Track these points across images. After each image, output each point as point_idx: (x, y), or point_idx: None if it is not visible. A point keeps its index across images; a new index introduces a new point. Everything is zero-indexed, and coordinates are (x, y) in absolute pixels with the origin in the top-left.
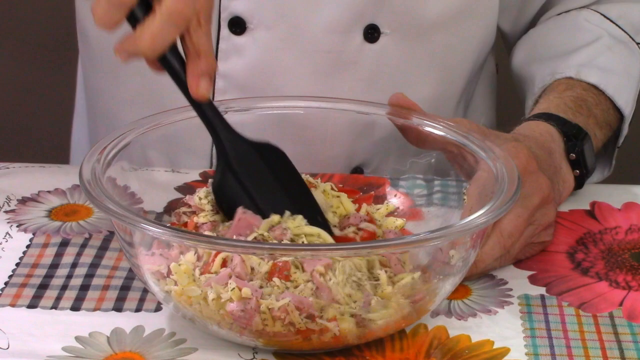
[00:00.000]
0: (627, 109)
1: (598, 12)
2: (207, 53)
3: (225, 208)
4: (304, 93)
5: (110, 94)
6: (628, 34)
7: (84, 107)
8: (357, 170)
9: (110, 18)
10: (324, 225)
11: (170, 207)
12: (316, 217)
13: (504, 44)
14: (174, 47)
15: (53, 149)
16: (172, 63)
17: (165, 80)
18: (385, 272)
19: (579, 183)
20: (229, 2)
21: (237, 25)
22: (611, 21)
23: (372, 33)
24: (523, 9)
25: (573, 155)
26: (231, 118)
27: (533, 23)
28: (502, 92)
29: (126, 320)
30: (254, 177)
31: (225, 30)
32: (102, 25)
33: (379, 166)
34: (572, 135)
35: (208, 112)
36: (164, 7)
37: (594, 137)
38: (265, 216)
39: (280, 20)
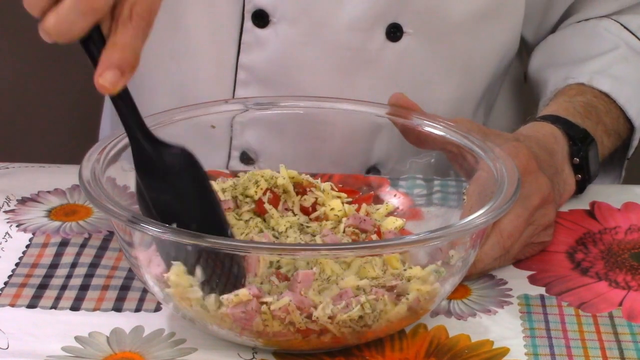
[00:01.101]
0: (638, 121)
1: (618, 22)
2: (126, 47)
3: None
4: (325, 89)
5: (135, 85)
6: None
7: (110, 106)
8: (373, 170)
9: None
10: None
11: None
12: (218, 227)
13: (525, 51)
14: (100, 35)
15: (53, 149)
16: (91, 50)
17: (189, 72)
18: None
19: (580, 187)
20: None
21: (261, 18)
22: (630, 32)
23: (394, 32)
24: (545, 17)
25: (577, 160)
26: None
27: (554, 30)
28: (530, 100)
29: (126, 320)
30: (164, 179)
31: (248, 23)
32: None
33: (395, 166)
34: (578, 139)
35: (122, 108)
36: None
37: (601, 144)
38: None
39: (303, 15)
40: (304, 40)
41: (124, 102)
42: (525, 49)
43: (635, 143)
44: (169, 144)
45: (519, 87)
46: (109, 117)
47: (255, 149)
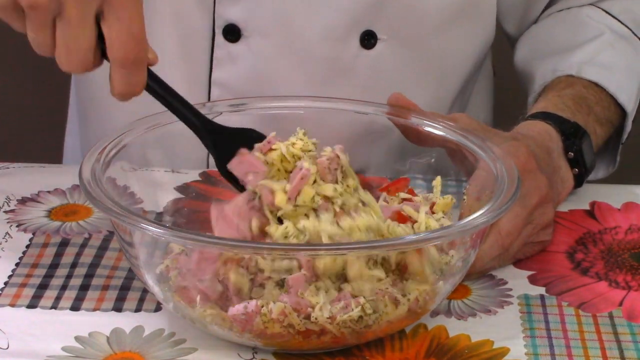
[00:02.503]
0: (630, 106)
1: (600, 7)
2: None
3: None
4: None
5: (102, 97)
6: (631, 30)
7: (76, 113)
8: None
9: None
10: None
11: (170, 207)
12: None
13: (509, 45)
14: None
15: (53, 150)
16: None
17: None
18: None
19: (579, 181)
20: (223, 10)
21: (232, 33)
22: (613, 17)
23: (368, 39)
24: (527, 11)
25: (571, 154)
26: (228, 118)
27: (536, 20)
28: (499, 93)
29: (126, 320)
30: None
31: (219, 38)
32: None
33: (380, 169)
34: (570, 133)
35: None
36: (112, 59)
37: (594, 134)
38: None
39: (275, 27)
40: (278, 53)
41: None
42: (509, 43)
43: (628, 128)
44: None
45: (489, 81)
46: (75, 135)
47: None
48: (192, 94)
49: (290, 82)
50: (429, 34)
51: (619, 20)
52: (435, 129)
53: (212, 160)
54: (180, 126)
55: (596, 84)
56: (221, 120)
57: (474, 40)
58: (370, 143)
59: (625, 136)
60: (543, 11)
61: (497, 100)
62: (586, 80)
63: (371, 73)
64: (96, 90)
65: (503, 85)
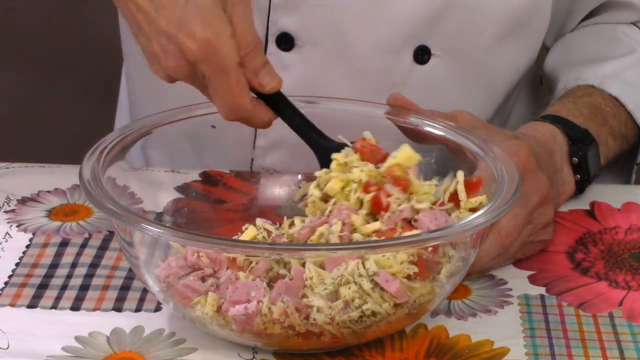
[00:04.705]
0: None
1: (637, 26)
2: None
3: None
4: None
5: (152, 98)
6: None
7: (126, 107)
8: None
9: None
10: None
11: (170, 207)
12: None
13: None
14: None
15: (53, 149)
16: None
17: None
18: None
19: (580, 188)
20: (278, 18)
21: (285, 42)
22: None
23: (422, 54)
24: (565, 24)
25: (575, 160)
26: None
27: (572, 30)
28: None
29: (126, 320)
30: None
31: (272, 46)
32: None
33: None
34: (578, 139)
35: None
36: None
37: (605, 146)
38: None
39: (329, 38)
40: (330, 64)
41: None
42: (546, 52)
43: None
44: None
45: (534, 91)
46: (126, 112)
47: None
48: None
49: (341, 94)
50: (482, 50)
51: None
52: (435, 129)
53: (211, 160)
54: (180, 126)
55: (616, 99)
56: None
57: (524, 56)
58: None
59: None
60: (580, 22)
61: (542, 110)
62: (606, 93)
63: (422, 88)
64: (147, 89)
65: (548, 95)
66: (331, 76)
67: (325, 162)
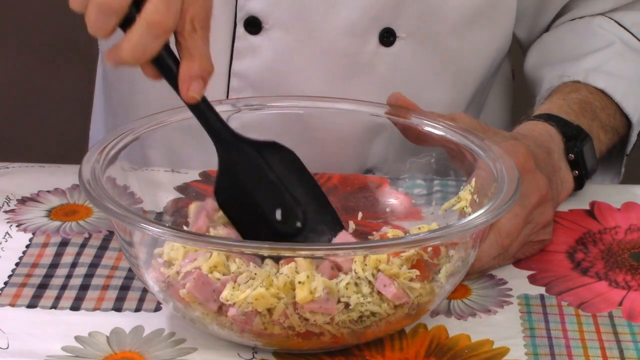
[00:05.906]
0: (635, 117)
1: (612, 19)
2: (202, 56)
3: (227, 212)
4: (318, 94)
5: (129, 89)
6: None
7: (101, 103)
8: (369, 172)
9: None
10: (335, 222)
11: (170, 207)
12: (326, 215)
13: (521, 49)
14: (168, 50)
15: (53, 149)
16: (165, 65)
17: None
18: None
19: (579, 184)
20: (245, 2)
21: (253, 25)
22: (625, 28)
23: (388, 37)
24: (538, 17)
25: (572, 156)
26: (244, 116)
27: (548, 29)
28: (518, 97)
29: (126, 320)
30: (254, 178)
31: (240, 30)
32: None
33: (394, 167)
34: (572, 136)
35: (206, 113)
36: (142, 18)
37: (597, 140)
38: (268, 217)
39: (296, 21)
40: (297, 47)
41: (207, 107)
42: (520, 48)
43: (633, 139)
44: (259, 140)
45: (507, 84)
46: (102, 122)
47: None
48: (211, 85)
49: (309, 76)
50: (447, 33)
51: (631, 32)
52: (435, 129)
53: (212, 160)
54: (181, 126)
55: (602, 92)
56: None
57: (491, 43)
58: (367, 145)
59: (630, 147)
60: (555, 19)
61: (515, 104)
62: (592, 87)
63: (389, 70)
64: (125, 85)
65: (522, 89)
66: (299, 59)
67: (224, 156)
